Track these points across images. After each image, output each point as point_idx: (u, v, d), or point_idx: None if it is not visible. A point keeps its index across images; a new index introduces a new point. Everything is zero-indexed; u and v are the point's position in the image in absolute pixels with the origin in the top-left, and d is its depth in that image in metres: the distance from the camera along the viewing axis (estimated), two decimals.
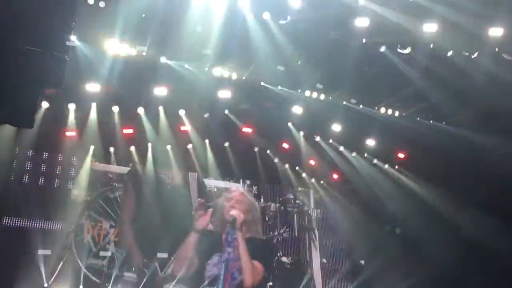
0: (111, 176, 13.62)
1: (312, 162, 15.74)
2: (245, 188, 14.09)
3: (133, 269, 12.80)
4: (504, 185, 12.47)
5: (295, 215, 15.84)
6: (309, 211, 16.16)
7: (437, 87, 11.56)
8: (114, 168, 13.71)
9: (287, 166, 15.93)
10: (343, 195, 16.02)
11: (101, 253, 12.84)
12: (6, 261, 11.26)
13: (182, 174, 14.37)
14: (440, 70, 11.07)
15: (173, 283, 13.20)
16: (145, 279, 12.51)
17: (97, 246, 13.01)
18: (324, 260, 15.74)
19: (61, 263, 12.00)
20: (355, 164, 15.47)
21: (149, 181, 13.59)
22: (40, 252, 11.87)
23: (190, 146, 14.35)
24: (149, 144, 14.04)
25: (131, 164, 13.59)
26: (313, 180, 16.47)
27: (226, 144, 14.61)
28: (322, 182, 16.56)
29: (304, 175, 16.35)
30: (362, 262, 15.94)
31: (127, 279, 12.73)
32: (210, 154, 14.57)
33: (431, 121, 13.89)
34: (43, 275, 11.67)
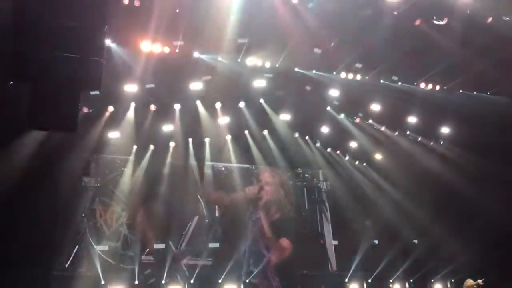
0: (119, 161, 14.03)
1: (353, 145, 15.54)
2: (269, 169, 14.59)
3: (148, 250, 13.47)
4: None
5: (305, 189, 16.05)
6: (319, 184, 16.24)
7: (478, 56, 11.11)
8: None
9: (329, 150, 15.81)
10: (387, 175, 15.77)
11: (115, 235, 13.51)
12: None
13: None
14: (480, 38, 10.63)
15: (189, 257, 13.78)
16: (167, 263, 13.28)
17: (110, 229, 13.55)
18: (376, 241, 15.62)
19: (76, 247, 12.69)
20: (398, 143, 15.16)
21: (157, 166, 14.02)
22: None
23: (228, 137, 14.44)
24: (190, 140, 14.27)
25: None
26: (357, 162, 16.27)
27: (265, 132, 14.61)
28: (364, 163, 16.34)
29: (346, 157, 16.17)
30: (415, 241, 15.70)
31: (145, 262, 13.37)
32: (251, 143, 14.64)
33: (474, 92, 13.38)
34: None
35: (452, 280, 14.75)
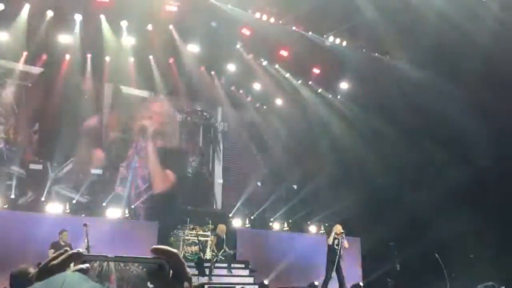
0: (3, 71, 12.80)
1: (257, 86, 15.66)
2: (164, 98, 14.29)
3: (21, 165, 12.75)
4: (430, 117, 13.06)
5: (201, 126, 15.98)
6: (216, 124, 16.40)
7: (388, 20, 11.55)
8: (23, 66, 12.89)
9: (233, 88, 15.76)
10: (284, 121, 16.25)
11: None
12: None
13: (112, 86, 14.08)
14: (394, 3, 11.02)
15: (61, 185, 13.31)
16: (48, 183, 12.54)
17: None
18: (259, 183, 16.21)
19: None
20: (300, 91, 15.58)
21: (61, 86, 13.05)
22: None
23: (131, 59, 13.73)
24: (88, 56, 13.33)
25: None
26: (257, 104, 16.48)
27: (171, 60, 14.09)
28: (265, 106, 16.62)
29: (249, 98, 16.29)
30: (295, 186, 16.58)
31: (13, 173, 12.62)
32: (155, 70, 14.04)
33: (376, 54, 14.02)
34: None
35: (326, 224, 15.94)
